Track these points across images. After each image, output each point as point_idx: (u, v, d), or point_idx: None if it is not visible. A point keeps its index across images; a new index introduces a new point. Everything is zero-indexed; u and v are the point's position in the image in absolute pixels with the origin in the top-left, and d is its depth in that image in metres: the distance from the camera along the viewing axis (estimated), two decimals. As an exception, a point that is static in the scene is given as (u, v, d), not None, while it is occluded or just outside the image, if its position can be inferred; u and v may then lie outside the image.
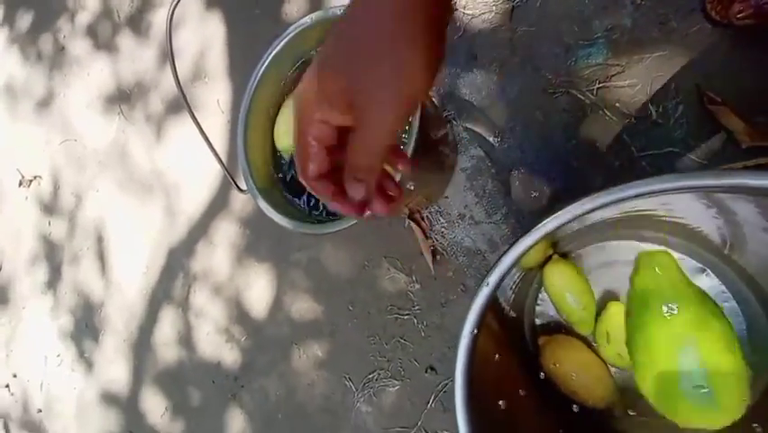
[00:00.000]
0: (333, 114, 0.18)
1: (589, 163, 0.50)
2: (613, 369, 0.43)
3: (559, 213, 0.28)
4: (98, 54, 0.94)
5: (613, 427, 0.41)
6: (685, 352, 0.24)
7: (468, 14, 0.58)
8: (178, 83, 0.47)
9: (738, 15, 0.42)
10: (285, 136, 0.48)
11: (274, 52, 0.45)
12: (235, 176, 0.50)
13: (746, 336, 0.40)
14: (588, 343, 0.45)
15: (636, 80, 0.48)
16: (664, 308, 0.27)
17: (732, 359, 0.24)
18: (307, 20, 0.42)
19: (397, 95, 0.17)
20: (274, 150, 0.50)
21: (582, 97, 0.50)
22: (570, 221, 0.28)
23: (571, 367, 0.43)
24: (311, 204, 0.47)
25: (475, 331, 0.31)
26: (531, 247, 0.29)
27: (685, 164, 0.45)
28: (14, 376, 1.06)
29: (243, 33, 0.77)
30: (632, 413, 0.42)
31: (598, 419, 0.43)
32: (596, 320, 0.43)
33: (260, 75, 0.45)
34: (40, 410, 1.00)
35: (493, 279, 0.30)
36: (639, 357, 0.28)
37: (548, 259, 0.44)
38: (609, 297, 0.45)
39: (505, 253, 0.30)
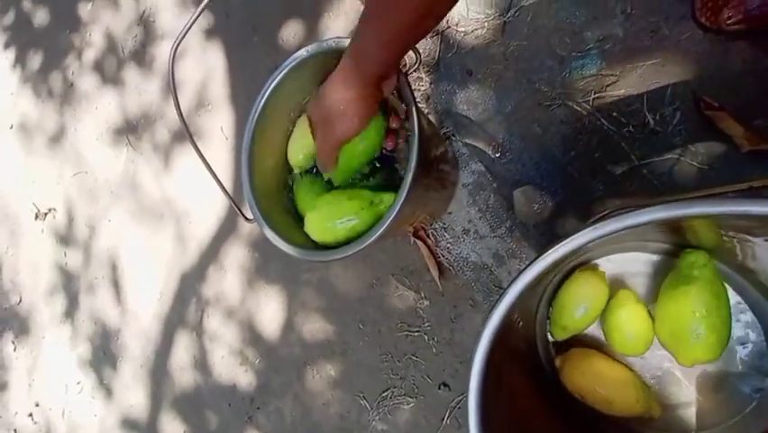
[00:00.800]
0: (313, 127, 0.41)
1: (589, 174, 0.50)
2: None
3: (565, 241, 0.28)
4: (105, 88, 0.97)
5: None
6: (695, 315, 0.37)
7: (461, 31, 0.59)
8: (182, 117, 0.49)
9: (728, 21, 0.43)
10: (299, 152, 0.49)
11: (273, 83, 0.46)
12: (241, 204, 0.51)
13: (765, 346, 0.40)
14: (600, 349, 0.45)
15: (632, 89, 0.48)
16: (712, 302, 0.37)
17: (719, 322, 0.37)
18: (303, 52, 0.43)
19: (331, 134, 0.39)
20: (280, 176, 0.51)
21: (579, 109, 0.51)
22: (574, 250, 0.28)
23: (597, 378, 0.42)
24: None
25: (486, 360, 0.31)
26: (540, 276, 0.30)
27: (685, 171, 0.45)
28: (37, 405, 1.08)
29: (244, 61, 0.79)
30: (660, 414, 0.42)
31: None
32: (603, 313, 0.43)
33: (260, 107, 0.46)
34: (62, 438, 1.02)
35: (499, 312, 0.30)
36: (661, 317, 0.40)
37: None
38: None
39: (508, 287, 0.30)
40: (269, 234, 0.45)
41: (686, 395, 0.43)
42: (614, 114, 0.49)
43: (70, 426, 1.00)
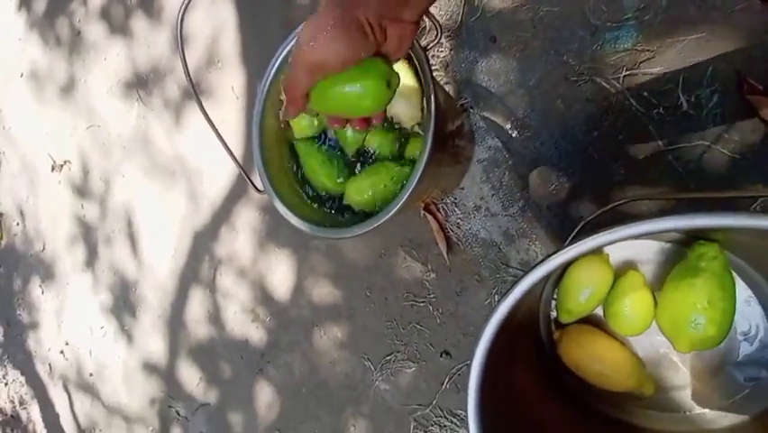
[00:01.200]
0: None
1: (611, 157, 0.48)
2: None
3: (584, 241, 0.28)
4: (113, 39, 0.94)
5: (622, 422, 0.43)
6: (696, 306, 0.37)
7: (487, -8, 0.54)
8: (191, 82, 0.47)
9: (790, -7, 0.38)
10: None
11: (285, 50, 0.44)
12: (252, 173, 0.51)
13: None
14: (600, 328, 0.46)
15: (668, 67, 0.44)
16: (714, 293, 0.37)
17: (719, 315, 0.37)
18: (317, 17, 0.41)
19: (307, 56, 0.28)
20: (289, 147, 0.50)
21: (607, 86, 0.47)
22: (588, 251, 0.28)
23: (593, 352, 0.43)
24: (333, 205, 0.48)
25: (492, 342, 0.32)
26: (549, 274, 0.29)
27: (716, 160, 0.43)
28: (66, 344, 1.17)
29: (256, 16, 0.75)
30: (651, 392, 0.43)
31: (606, 413, 0.44)
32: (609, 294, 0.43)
33: (271, 75, 0.45)
34: (91, 374, 1.11)
35: (505, 305, 0.30)
36: (664, 304, 0.40)
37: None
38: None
39: (514, 285, 0.30)
40: (280, 208, 0.45)
41: (680, 378, 0.44)
42: (644, 93, 0.46)
43: (97, 364, 1.09)
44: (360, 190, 0.45)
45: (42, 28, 1.07)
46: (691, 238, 0.40)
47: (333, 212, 0.49)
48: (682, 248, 0.42)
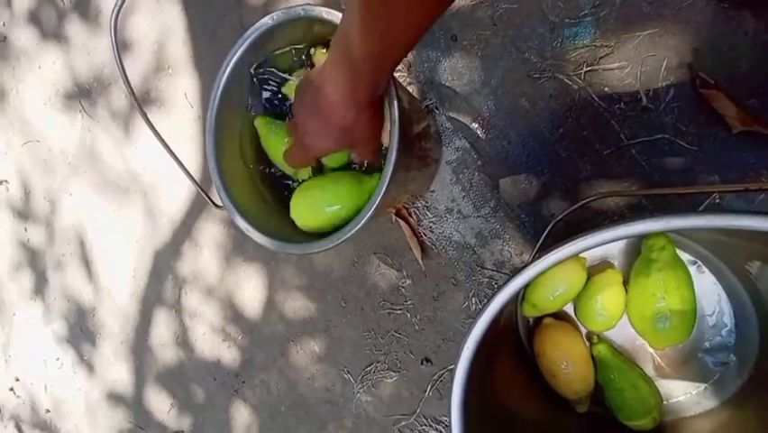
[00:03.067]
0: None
1: (577, 153, 0.48)
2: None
3: (561, 247, 0.27)
4: (46, 45, 0.86)
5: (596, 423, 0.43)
6: (656, 298, 0.39)
7: (446, -10, 0.53)
8: (131, 90, 0.43)
9: (735, -12, 0.39)
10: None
11: (236, 57, 0.41)
12: (209, 189, 0.47)
13: (734, 324, 0.41)
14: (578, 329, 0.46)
15: (626, 62, 0.45)
16: (669, 284, 0.38)
17: (686, 308, 0.38)
18: (268, 20, 0.38)
19: (311, 143, 0.36)
20: (256, 160, 0.47)
21: (569, 82, 0.48)
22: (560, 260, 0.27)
23: (564, 355, 0.43)
24: None
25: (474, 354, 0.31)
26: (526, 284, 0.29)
27: (675, 152, 0.44)
28: (17, 380, 1.07)
29: (205, 17, 0.71)
30: (584, 411, 0.44)
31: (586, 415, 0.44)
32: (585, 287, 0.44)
33: (222, 83, 0.41)
34: (48, 411, 1.02)
35: (483, 321, 0.29)
36: (630, 301, 0.42)
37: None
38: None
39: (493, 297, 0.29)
40: (242, 224, 0.42)
41: (655, 369, 0.45)
42: (606, 89, 0.46)
43: (55, 399, 1.00)
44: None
45: (-36, 36, 0.97)
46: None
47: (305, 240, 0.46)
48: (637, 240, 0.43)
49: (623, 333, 0.45)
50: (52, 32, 0.85)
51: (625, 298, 0.42)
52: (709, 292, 0.42)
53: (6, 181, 0.97)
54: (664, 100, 0.44)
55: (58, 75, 0.86)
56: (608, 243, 0.27)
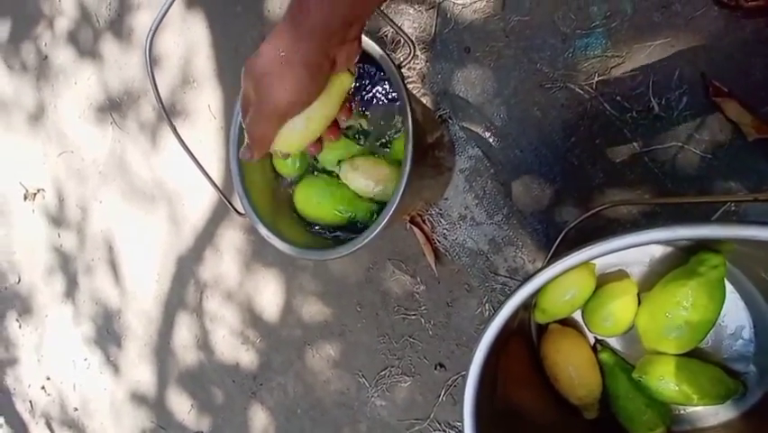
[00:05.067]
0: (248, 94, 0.28)
1: (589, 161, 0.48)
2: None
3: (571, 256, 0.28)
4: (83, 62, 0.92)
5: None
6: (679, 305, 0.38)
7: (458, 4, 0.55)
8: (162, 106, 0.46)
9: (747, -3, 0.40)
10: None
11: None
12: (232, 196, 0.50)
13: (753, 336, 0.41)
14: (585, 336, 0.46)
15: (638, 71, 0.46)
16: (699, 300, 0.38)
17: (698, 316, 0.38)
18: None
19: (265, 105, 0.28)
20: (275, 172, 0.50)
21: (581, 92, 0.48)
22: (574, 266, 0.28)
23: (566, 360, 0.44)
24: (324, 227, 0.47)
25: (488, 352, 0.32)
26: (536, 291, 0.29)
27: (689, 160, 0.44)
28: (48, 379, 1.12)
29: (228, 33, 0.74)
30: (593, 417, 0.43)
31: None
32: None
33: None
34: (76, 409, 1.07)
35: (494, 326, 0.30)
36: (646, 304, 0.41)
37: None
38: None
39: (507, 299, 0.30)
40: (263, 231, 0.44)
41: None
42: (617, 98, 0.47)
43: (82, 398, 1.04)
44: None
45: (7, 53, 1.04)
46: (697, 246, 0.40)
47: (321, 230, 0.48)
48: (677, 252, 0.42)
49: (634, 340, 0.44)
50: (88, 51, 0.90)
51: (635, 309, 0.42)
52: (728, 301, 0.41)
53: (43, 190, 1.03)
54: (677, 108, 0.44)
55: (92, 89, 0.91)
56: (617, 251, 0.28)
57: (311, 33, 0.25)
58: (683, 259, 0.40)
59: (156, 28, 0.38)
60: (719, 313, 0.38)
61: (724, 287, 0.38)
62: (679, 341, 0.39)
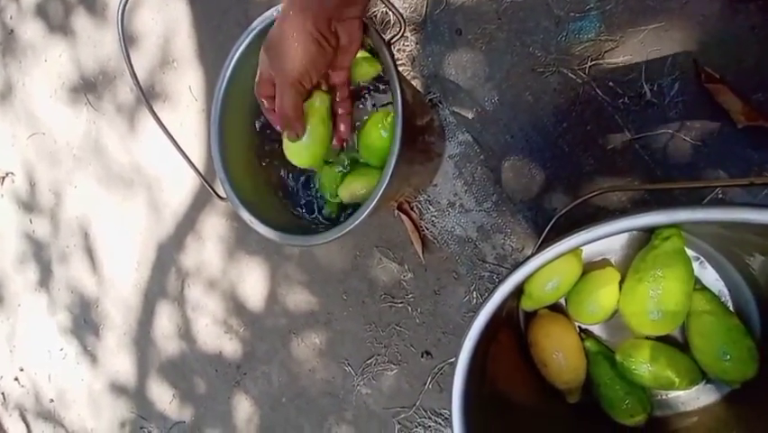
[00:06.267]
0: (268, 75, 0.34)
1: (580, 147, 0.48)
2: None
3: (562, 242, 0.27)
4: (53, 38, 0.87)
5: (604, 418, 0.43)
6: (653, 296, 0.39)
7: (450, -16, 0.53)
8: (138, 84, 0.44)
9: (742, -19, 0.39)
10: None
11: (241, 48, 0.41)
12: (213, 180, 0.48)
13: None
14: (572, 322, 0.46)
15: (631, 56, 0.45)
16: (658, 272, 0.38)
17: (677, 302, 0.38)
18: (273, 12, 0.38)
19: (287, 76, 0.32)
20: (258, 155, 0.47)
21: (574, 76, 0.47)
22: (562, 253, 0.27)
23: (555, 345, 0.44)
24: (311, 211, 0.46)
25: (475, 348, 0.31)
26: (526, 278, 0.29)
27: (679, 147, 0.44)
28: (21, 370, 1.08)
29: (210, 11, 0.71)
30: (575, 401, 0.44)
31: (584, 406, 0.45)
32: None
33: (227, 75, 0.42)
34: (52, 400, 1.03)
35: (484, 314, 0.29)
36: (628, 298, 0.41)
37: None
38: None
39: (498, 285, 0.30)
40: (246, 216, 0.42)
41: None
42: (610, 83, 0.46)
43: (58, 389, 1.01)
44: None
45: (-29, 28, 0.98)
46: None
47: (306, 212, 0.47)
48: (644, 234, 0.42)
49: (617, 327, 0.45)
50: (59, 26, 0.85)
51: (618, 297, 0.42)
52: (712, 288, 0.42)
53: (12, 173, 0.98)
54: (669, 95, 0.44)
55: (64, 68, 0.86)
56: (608, 236, 0.27)
57: (308, 8, 0.29)
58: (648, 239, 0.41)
59: (127, 1, 0.36)
60: (689, 285, 0.38)
61: (684, 258, 0.38)
62: (661, 322, 0.39)
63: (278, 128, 0.36)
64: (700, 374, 0.41)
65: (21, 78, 0.92)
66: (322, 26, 0.30)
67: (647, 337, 0.42)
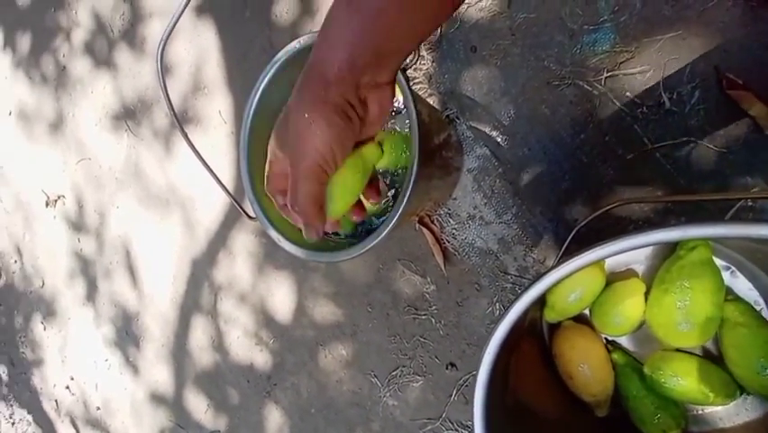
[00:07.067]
0: (280, 167, 0.28)
1: (599, 158, 0.48)
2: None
3: (582, 256, 0.28)
4: (99, 72, 0.94)
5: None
6: (681, 307, 0.38)
7: (464, 4, 0.54)
8: (174, 114, 0.47)
9: (761, -13, 0.39)
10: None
11: (267, 78, 0.44)
12: (243, 200, 0.51)
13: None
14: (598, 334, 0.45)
15: (648, 66, 0.45)
16: (684, 283, 0.37)
17: (707, 313, 0.37)
18: (296, 44, 0.41)
19: (303, 163, 0.25)
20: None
21: (590, 88, 0.48)
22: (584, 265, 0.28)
23: (580, 357, 0.43)
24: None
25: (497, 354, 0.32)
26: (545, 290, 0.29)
27: (702, 155, 0.43)
28: (72, 379, 1.16)
29: (237, 40, 0.76)
30: (604, 414, 0.43)
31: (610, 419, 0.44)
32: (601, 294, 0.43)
33: (254, 103, 0.45)
34: (98, 408, 1.10)
35: (505, 324, 0.30)
36: (655, 309, 0.40)
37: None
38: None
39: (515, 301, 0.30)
40: (273, 234, 0.45)
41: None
42: (627, 93, 0.46)
43: (104, 398, 1.08)
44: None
45: (28, 66, 1.08)
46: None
47: (330, 233, 0.49)
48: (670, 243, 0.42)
49: (646, 339, 0.44)
50: (104, 60, 0.93)
51: (644, 308, 0.41)
52: (746, 298, 0.41)
53: (63, 196, 1.07)
54: (689, 103, 0.43)
55: (107, 98, 0.94)
56: (632, 250, 0.28)
57: (338, 72, 0.23)
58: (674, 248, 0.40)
59: (166, 39, 0.39)
60: (718, 296, 0.37)
61: (712, 268, 0.37)
62: (691, 333, 0.38)
63: (297, 226, 0.28)
64: (737, 389, 0.39)
65: (71, 110, 1.01)
66: (349, 94, 0.23)
67: (678, 349, 0.41)
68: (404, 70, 0.37)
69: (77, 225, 1.05)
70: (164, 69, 0.44)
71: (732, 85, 0.41)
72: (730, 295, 0.40)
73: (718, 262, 0.41)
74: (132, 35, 0.88)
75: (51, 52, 1.02)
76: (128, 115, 0.91)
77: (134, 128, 0.91)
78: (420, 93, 0.58)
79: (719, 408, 0.42)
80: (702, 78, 0.43)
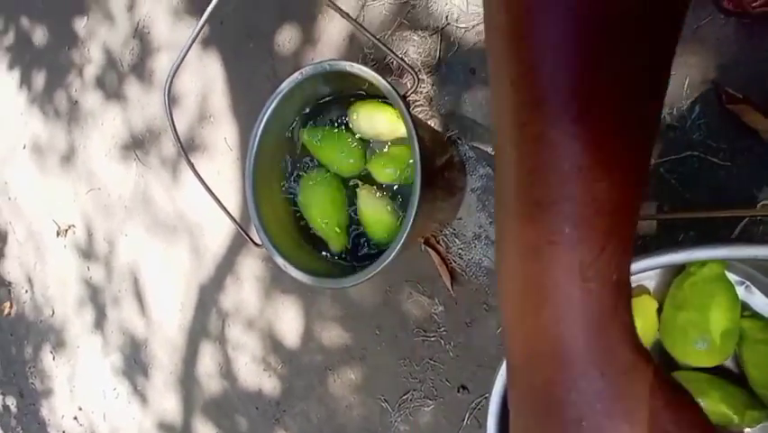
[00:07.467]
0: None
1: (603, 175, 0.48)
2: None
3: None
4: (109, 104, 0.97)
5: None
6: (695, 325, 0.37)
7: (461, 28, 0.56)
8: (180, 144, 0.49)
9: (754, 3, 0.39)
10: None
11: (272, 106, 0.45)
12: (249, 228, 0.51)
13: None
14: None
15: (646, 83, 0.45)
16: (697, 300, 0.37)
17: (724, 330, 0.36)
18: (298, 75, 0.42)
19: None
20: (287, 198, 0.51)
21: (589, 106, 0.48)
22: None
23: None
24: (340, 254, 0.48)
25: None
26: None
27: (706, 168, 0.43)
28: (80, 409, 1.15)
29: (241, 70, 0.78)
30: None
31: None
32: None
33: (261, 127, 0.46)
34: (106, 439, 1.08)
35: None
36: (669, 327, 0.39)
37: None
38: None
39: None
40: (280, 261, 0.45)
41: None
42: (627, 110, 0.46)
43: (112, 428, 1.06)
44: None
45: (42, 102, 1.12)
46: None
47: (335, 257, 0.49)
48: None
49: (663, 359, 0.43)
50: (114, 93, 0.96)
51: (657, 324, 0.40)
52: (763, 314, 0.40)
53: (73, 226, 1.08)
54: (690, 118, 0.43)
55: (117, 129, 0.96)
56: (634, 274, 0.27)
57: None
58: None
59: (174, 74, 0.41)
60: (733, 312, 0.36)
61: (725, 283, 0.37)
62: (708, 352, 0.37)
63: None
64: (765, 410, 0.38)
65: (82, 142, 1.04)
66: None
67: (695, 369, 0.40)
68: (404, 98, 0.38)
69: (87, 254, 1.06)
70: (171, 100, 0.45)
71: (731, 99, 0.41)
72: (747, 311, 0.39)
73: (732, 276, 0.40)
74: (140, 68, 0.91)
75: (64, 88, 1.06)
76: (137, 145, 0.94)
77: (143, 157, 0.93)
78: (421, 116, 0.59)
79: (748, 430, 0.40)
80: (701, 93, 0.43)
